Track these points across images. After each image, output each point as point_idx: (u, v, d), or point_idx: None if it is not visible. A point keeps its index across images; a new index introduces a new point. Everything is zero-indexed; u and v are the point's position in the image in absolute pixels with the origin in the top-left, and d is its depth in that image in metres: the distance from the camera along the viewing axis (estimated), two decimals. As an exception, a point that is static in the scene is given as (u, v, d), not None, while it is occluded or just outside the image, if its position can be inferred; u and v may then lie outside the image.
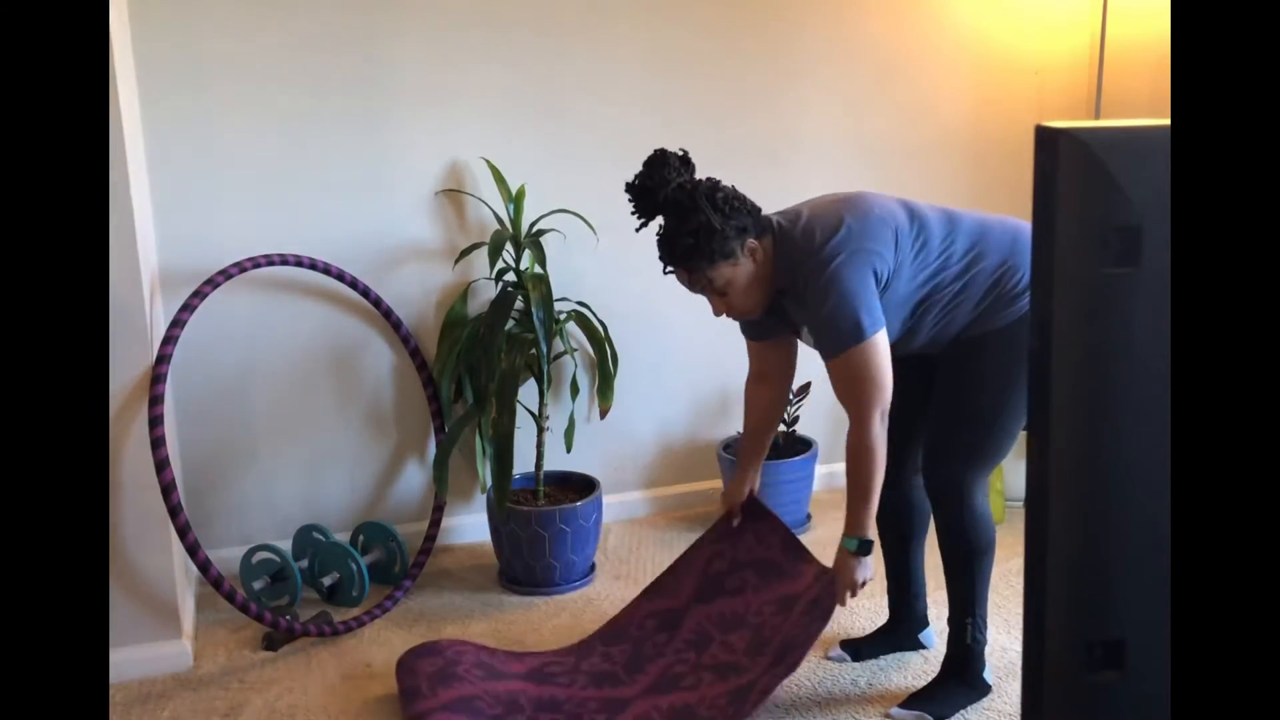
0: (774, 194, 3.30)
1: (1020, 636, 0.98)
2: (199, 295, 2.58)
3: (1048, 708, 0.95)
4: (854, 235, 2.04)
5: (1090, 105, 3.54)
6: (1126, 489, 0.92)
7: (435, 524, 2.97)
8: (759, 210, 2.12)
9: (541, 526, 2.80)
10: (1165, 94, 3.30)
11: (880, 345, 2.03)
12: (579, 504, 2.84)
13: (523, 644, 2.60)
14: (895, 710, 2.27)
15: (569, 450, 3.10)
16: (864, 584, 2.14)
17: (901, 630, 2.52)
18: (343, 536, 2.98)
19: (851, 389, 2.05)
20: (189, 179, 2.76)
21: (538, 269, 2.87)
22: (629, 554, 3.11)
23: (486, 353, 2.79)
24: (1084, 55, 3.56)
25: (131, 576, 2.42)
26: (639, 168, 2.12)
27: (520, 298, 2.84)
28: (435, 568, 3.01)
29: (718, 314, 2.15)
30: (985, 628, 2.28)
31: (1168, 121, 0.87)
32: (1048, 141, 0.87)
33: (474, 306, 3.02)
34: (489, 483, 2.93)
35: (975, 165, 3.52)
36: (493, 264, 2.78)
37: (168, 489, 2.35)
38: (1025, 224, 2.18)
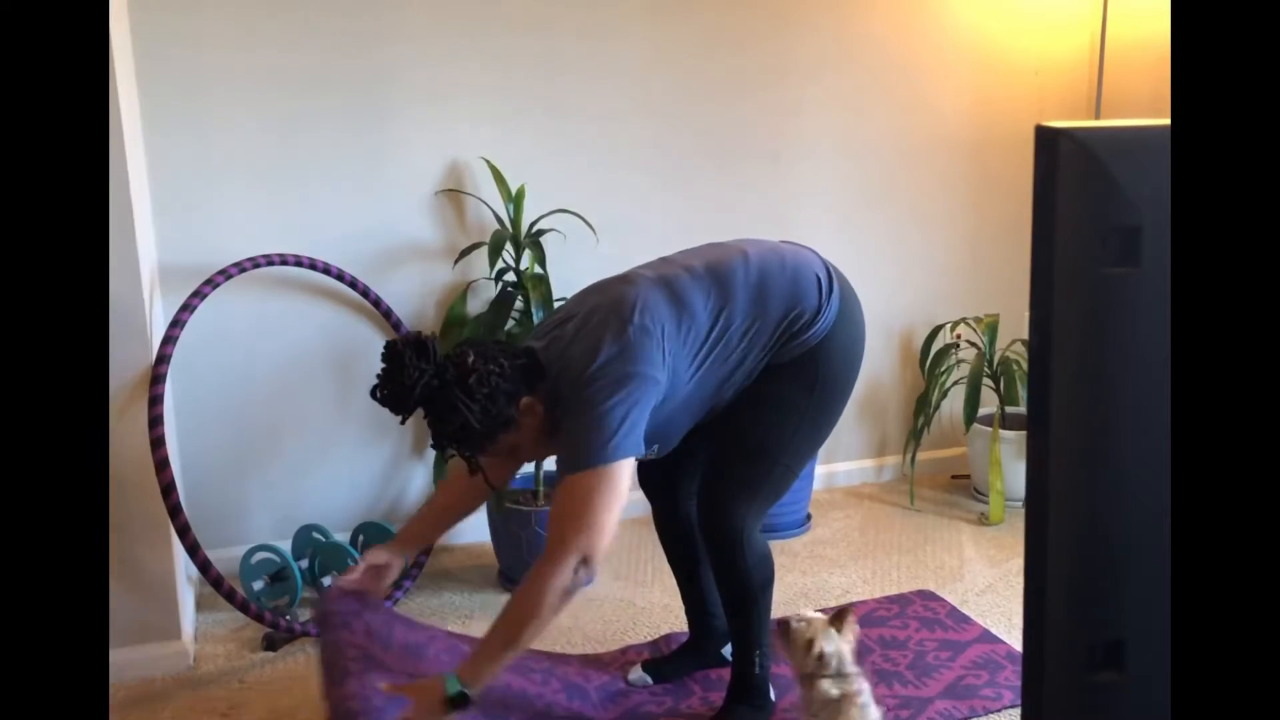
0: (774, 194, 3.32)
1: (1020, 636, 0.98)
2: (199, 295, 2.58)
3: (1048, 708, 0.95)
4: (613, 361, 1.87)
5: (1090, 105, 3.54)
6: (1126, 489, 0.92)
7: (435, 524, 2.97)
8: (523, 356, 1.92)
9: (541, 527, 2.79)
10: (1165, 94, 3.30)
11: (618, 479, 1.82)
12: (579, 504, 2.83)
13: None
14: None
15: (569, 450, 3.10)
16: None
17: (704, 648, 2.41)
18: (343, 536, 2.98)
19: (563, 519, 1.81)
20: (189, 179, 2.76)
21: (538, 269, 2.87)
22: (629, 554, 3.11)
23: (486, 353, 2.79)
24: (1084, 55, 3.56)
25: (131, 576, 2.42)
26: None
27: (520, 298, 2.83)
28: (435, 568, 3.01)
29: (514, 471, 2.10)
30: (769, 654, 2.18)
31: (1168, 121, 0.87)
32: (1048, 141, 0.87)
33: (474, 306, 3.02)
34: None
35: (975, 165, 3.52)
36: (493, 264, 2.78)
37: (168, 489, 2.35)
38: (805, 255, 2.09)
